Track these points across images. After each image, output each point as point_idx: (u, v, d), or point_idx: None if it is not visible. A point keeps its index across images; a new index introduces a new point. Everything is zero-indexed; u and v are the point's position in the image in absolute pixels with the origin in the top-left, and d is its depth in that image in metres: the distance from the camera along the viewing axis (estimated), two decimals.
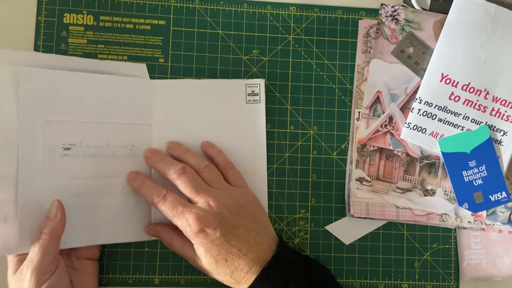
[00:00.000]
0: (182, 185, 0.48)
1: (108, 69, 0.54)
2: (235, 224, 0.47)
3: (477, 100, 0.55)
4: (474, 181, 0.55)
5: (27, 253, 0.46)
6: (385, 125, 0.56)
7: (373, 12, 0.58)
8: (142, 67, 0.55)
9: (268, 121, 0.56)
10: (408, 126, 0.55)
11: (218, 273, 0.48)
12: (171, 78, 0.55)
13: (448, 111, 0.55)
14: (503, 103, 0.55)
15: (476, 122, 0.55)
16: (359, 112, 0.57)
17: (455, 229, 0.57)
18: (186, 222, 0.46)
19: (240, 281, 0.47)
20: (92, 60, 0.53)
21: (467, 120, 0.55)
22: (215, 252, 0.47)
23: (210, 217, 0.46)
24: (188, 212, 0.46)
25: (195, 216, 0.46)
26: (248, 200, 0.50)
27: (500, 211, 0.56)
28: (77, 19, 0.55)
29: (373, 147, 0.56)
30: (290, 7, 0.58)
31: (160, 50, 0.56)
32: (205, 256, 0.47)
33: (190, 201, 0.49)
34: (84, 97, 0.52)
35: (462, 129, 0.55)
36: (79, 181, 0.51)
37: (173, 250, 0.50)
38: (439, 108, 0.55)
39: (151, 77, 0.55)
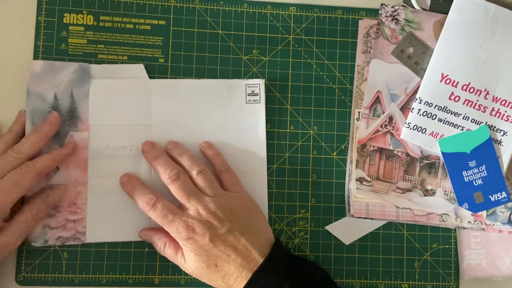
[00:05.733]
0: (175, 191, 0.49)
1: (105, 72, 0.54)
2: (225, 231, 0.48)
3: (477, 100, 0.55)
4: (474, 181, 0.55)
5: None
6: (385, 125, 0.56)
7: (373, 12, 0.58)
8: (140, 68, 0.55)
9: (268, 121, 0.56)
10: (408, 126, 0.55)
11: (210, 279, 0.49)
12: (171, 78, 0.55)
13: (448, 111, 0.55)
14: (503, 103, 0.55)
15: (476, 122, 0.55)
16: (359, 112, 0.57)
17: (455, 229, 0.57)
18: (176, 230, 0.48)
19: (231, 286, 0.48)
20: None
21: (467, 120, 0.55)
22: (205, 257, 0.48)
23: (198, 225, 0.48)
24: (178, 221, 0.48)
25: (184, 224, 0.48)
26: (241, 205, 0.51)
27: (500, 211, 0.56)
28: (77, 19, 0.55)
29: (373, 147, 0.56)
30: (290, 7, 0.58)
31: (160, 50, 0.56)
32: (196, 261, 0.48)
33: (181, 206, 0.49)
34: None
35: (462, 129, 0.55)
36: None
37: (165, 256, 0.51)
38: (439, 108, 0.55)
39: (151, 77, 0.55)
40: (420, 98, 0.55)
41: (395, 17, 0.57)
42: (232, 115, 0.55)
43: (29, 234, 0.50)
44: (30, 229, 0.50)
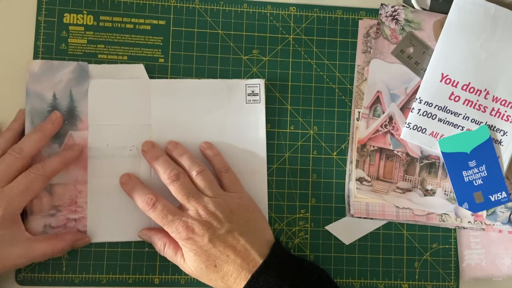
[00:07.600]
0: (175, 191, 0.49)
1: (105, 72, 0.54)
2: (224, 231, 0.48)
3: (477, 100, 0.55)
4: (474, 181, 0.55)
5: None
6: (385, 125, 0.56)
7: (373, 12, 0.58)
8: (140, 68, 0.55)
9: (268, 121, 0.56)
10: (408, 126, 0.55)
11: (209, 279, 0.49)
12: (171, 78, 0.55)
13: (448, 111, 0.55)
14: (503, 103, 0.55)
15: (476, 122, 0.55)
16: (359, 112, 0.57)
17: (455, 229, 0.57)
18: (175, 230, 0.48)
19: (231, 287, 0.48)
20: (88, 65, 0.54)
21: (467, 120, 0.55)
22: (204, 257, 0.48)
23: (198, 225, 0.48)
24: (177, 221, 0.48)
25: (184, 224, 0.48)
26: (240, 206, 0.51)
27: (500, 211, 0.56)
28: (77, 19, 0.55)
29: (373, 147, 0.56)
30: (290, 7, 0.58)
31: (160, 50, 0.56)
32: (195, 262, 0.48)
33: (181, 206, 0.49)
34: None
35: (462, 129, 0.55)
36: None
37: (165, 257, 0.51)
38: (439, 108, 0.55)
39: (151, 77, 0.55)
40: (420, 98, 0.55)
41: (395, 17, 0.57)
42: (232, 115, 0.55)
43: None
44: None
